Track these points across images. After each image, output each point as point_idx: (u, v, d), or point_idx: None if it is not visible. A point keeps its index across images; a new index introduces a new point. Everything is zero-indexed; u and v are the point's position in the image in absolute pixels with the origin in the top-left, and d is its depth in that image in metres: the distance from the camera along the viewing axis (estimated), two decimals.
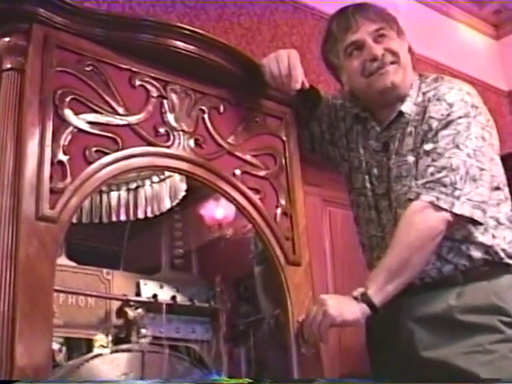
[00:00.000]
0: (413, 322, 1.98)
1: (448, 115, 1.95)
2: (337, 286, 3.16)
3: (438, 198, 1.87)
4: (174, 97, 2.03)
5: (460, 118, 1.95)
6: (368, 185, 2.11)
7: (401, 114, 2.05)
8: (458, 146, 1.91)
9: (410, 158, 2.00)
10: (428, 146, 1.95)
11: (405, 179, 2.00)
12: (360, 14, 2.04)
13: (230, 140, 2.10)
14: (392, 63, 2.03)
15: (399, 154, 2.03)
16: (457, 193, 1.87)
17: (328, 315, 1.83)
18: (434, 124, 1.96)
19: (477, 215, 1.89)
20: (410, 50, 2.10)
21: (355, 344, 3.08)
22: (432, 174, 1.90)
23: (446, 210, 1.87)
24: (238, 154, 2.11)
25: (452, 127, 1.94)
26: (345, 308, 1.85)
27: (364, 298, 1.84)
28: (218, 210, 2.64)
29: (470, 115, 1.96)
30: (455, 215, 1.88)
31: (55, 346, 2.20)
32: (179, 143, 1.99)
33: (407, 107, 2.05)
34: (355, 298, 1.85)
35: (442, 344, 1.92)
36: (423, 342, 1.94)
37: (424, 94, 2.05)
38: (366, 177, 2.12)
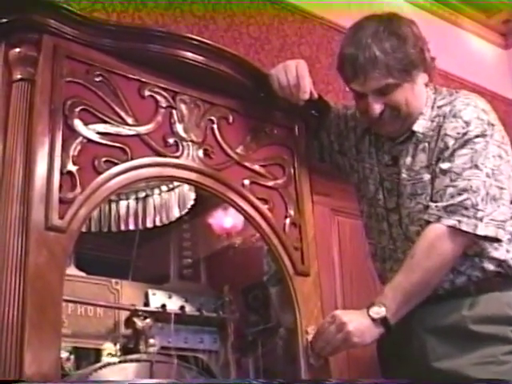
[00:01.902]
0: (425, 333, 1.97)
1: (465, 134, 1.94)
2: (345, 295, 3.15)
3: (460, 222, 1.86)
4: (183, 107, 2.03)
5: (477, 137, 1.93)
6: (380, 196, 2.10)
7: (413, 133, 2.04)
8: (476, 166, 1.90)
9: (426, 176, 1.99)
10: (445, 165, 1.93)
11: (419, 197, 1.99)
12: (370, 64, 1.93)
13: (238, 150, 2.11)
14: (390, 117, 2.00)
15: (411, 170, 2.02)
16: (479, 214, 1.86)
17: (350, 341, 1.84)
18: (451, 142, 1.95)
19: (500, 235, 1.89)
20: (429, 77, 2.04)
21: (364, 354, 3.07)
22: (452, 197, 1.89)
23: (468, 232, 1.86)
24: (246, 164, 2.11)
25: (469, 146, 1.92)
26: (366, 333, 1.85)
27: (383, 322, 1.85)
28: (226, 219, 2.64)
29: (487, 134, 1.95)
30: (477, 236, 1.88)
31: (63, 355, 2.21)
32: (188, 153, 1.99)
33: (420, 126, 2.03)
34: (373, 320, 1.85)
35: (454, 354, 1.91)
36: (435, 353, 1.94)
37: (439, 107, 2.03)
38: (379, 188, 2.11)
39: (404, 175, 2.03)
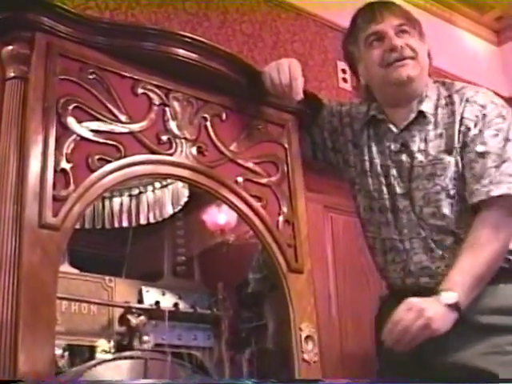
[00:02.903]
0: None
1: (484, 116, 1.98)
2: (339, 292, 3.16)
3: (509, 188, 1.90)
4: (176, 104, 2.03)
5: (497, 117, 1.98)
6: (383, 187, 2.09)
7: (420, 114, 2.06)
8: (508, 140, 1.96)
9: (447, 158, 2.00)
10: (480, 148, 1.95)
11: (438, 178, 1.99)
12: (386, 9, 2.08)
13: (232, 147, 2.11)
14: (410, 58, 2.04)
15: (427, 154, 2.03)
16: None
17: (431, 327, 1.81)
18: (471, 124, 1.98)
19: None
20: (428, 55, 2.12)
21: (357, 350, 3.09)
22: (496, 170, 1.92)
23: None
24: (240, 161, 2.11)
25: (493, 127, 1.97)
26: (445, 318, 1.83)
27: (457, 308, 1.84)
28: (220, 216, 2.64)
29: (504, 115, 2.00)
30: None
31: (58, 352, 2.20)
32: (181, 151, 1.99)
33: (428, 107, 2.06)
34: (448, 306, 1.83)
35: (460, 347, 1.91)
36: (442, 346, 1.94)
37: (447, 97, 2.07)
38: (382, 179, 2.10)
39: (420, 158, 2.03)
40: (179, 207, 2.63)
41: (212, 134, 2.08)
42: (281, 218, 2.14)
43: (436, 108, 2.06)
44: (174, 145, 1.98)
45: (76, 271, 2.42)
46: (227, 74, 2.09)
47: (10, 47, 1.78)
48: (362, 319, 3.18)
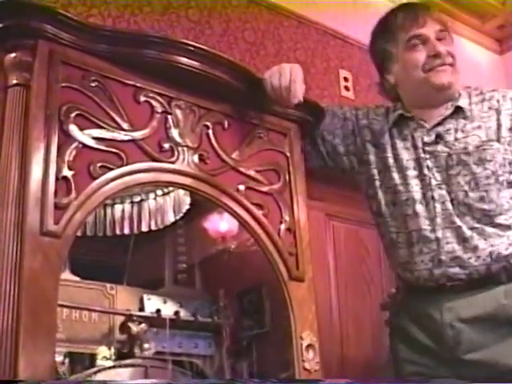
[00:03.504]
0: (460, 323, 1.97)
1: None
2: (340, 300, 3.15)
3: None
4: (178, 112, 2.03)
5: None
6: (411, 180, 2.11)
7: (457, 109, 2.11)
8: None
9: (496, 145, 2.05)
10: None
11: (488, 163, 2.03)
12: (427, 12, 2.11)
13: (234, 155, 2.11)
14: (450, 64, 2.09)
15: (467, 143, 2.07)
16: None
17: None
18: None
19: None
20: None
21: (359, 359, 3.08)
22: None
23: None
24: (241, 169, 2.11)
25: None
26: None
27: None
28: (221, 223, 2.64)
29: None
30: None
31: (58, 358, 2.21)
32: (183, 159, 1.99)
33: (464, 103, 2.12)
34: None
35: (492, 344, 1.93)
36: (472, 343, 1.95)
37: (479, 94, 2.16)
38: (409, 172, 2.12)
39: (461, 145, 2.07)
40: (181, 215, 2.63)
41: (214, 141, 2.08)
42: (282, 226, 2.14)
43: (470, 104, 2.13)
44: (175, 153, 1.98)
45: (77, 279, 2.42)
46: (229, 82, 2.09)
47: (13, 54, 1.78)
48: (363, 327, 3.18)
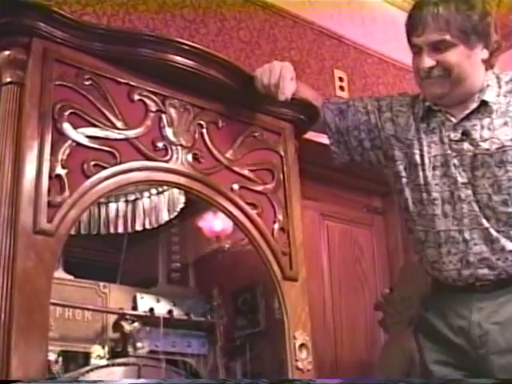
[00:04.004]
0: (488, 323, 1.98)
1: None
2: (334, 300, 3.16)
3: None
4: (172, 111, 2.03)
5: None
6: (438, 179, 2.08)
7: (483, 103, 2.05)
8: None
9: None
10: None
11: (510, 165, 2.00)
12: (431, 17, 2.00)
13: (228, 155, 2.11)
14: (440, 76, 2.03)
15: (492, 142, 2.02)
16: None
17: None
18: None
19: None
20: (489, 57, 2.07)
21: (352, 358, 3.09)
22: None
23: None
24: (235, 168, 2.11)
25: None
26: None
27: None
28: (216, 223, 2.64)
29: None
30: None
31: (52, 357, 2.21)
32: (177, 158, 1.99)
33: (490, 96, 2.06)
34: None
35: None
36: (498, 345, 1.95)
37: (509, 92, 2.07)
38: (436, 171, 2.09)
39: (485, 146, 2.02)
40: (175, 213, 2.63)
41: (208, 141, 2.08)
42: (276, 226, 2.13)
43: (498, 96, 2.06)
44: (169, 152, 1.98)
45: (70, 277, 2.42)
46: (224, 82, 2.09)
47: (7, 52, 1.77)
48: (356, 327, 3.19)
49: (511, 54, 4.83)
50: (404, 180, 2.16)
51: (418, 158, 2.12)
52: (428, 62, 2.01)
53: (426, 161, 2.10)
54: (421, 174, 2.11)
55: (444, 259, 2.05)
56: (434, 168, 2.09)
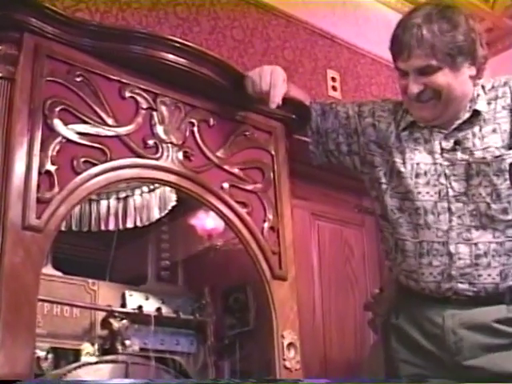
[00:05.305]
0: (462, 329, 1.95)
1: None
2: (324, 299, 3.16)
3: None
4: (163, 109, 2.03)
5: None
6: (422, 189, 2.04)
7: (475, 112, 2.03)
8: None
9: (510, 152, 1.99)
10: None
11: (507, 173, 1.97)
12: (416, 42, 1.95)
13: (218, 153, 2.11)
14: (430, 98, 1.99)
15: (486, 150, 2.00)
16: None
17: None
18: None
19: None
20: (477, 73, 2.03)
21: (341, 358, 3.09)
22: None
23: None
24: (226, 167, 2.11)
25: None
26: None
27: None
28: (208, 221, 2.64)
29: None
30: None
31: (41, 354, 2.20)
32: (168, 155, 1.99)
33: (482, 106, 2.03)
34: None
35: (494, 350, 1.92)
36: (474, 349, 1.94)
37: (491, 89, 2.05)
38: (420, 180, 2.05)
39: (480, 155, 2.00)
40: (166, 211, 2.63)
41: (199, 139, 2.08)
42: (266, 225, 2.14)
43: (489, 104, 2.04)
44: (160, 149, 1.98)
45: (59, 274, 2.42)
46: (216, 80, 2.09)
47: None
48: (346, 327, 3.18)
49: (508, 56, 4.87)
50: (384, 186, 2.12)
51: (399, 165, 2.09)
52: (416, 88, 1.98)
53: (409, 168, 2.07)
54: (402, 181, 2.07)
55: (424, 270, 2.01)
56: (416, 176, 2.06)
